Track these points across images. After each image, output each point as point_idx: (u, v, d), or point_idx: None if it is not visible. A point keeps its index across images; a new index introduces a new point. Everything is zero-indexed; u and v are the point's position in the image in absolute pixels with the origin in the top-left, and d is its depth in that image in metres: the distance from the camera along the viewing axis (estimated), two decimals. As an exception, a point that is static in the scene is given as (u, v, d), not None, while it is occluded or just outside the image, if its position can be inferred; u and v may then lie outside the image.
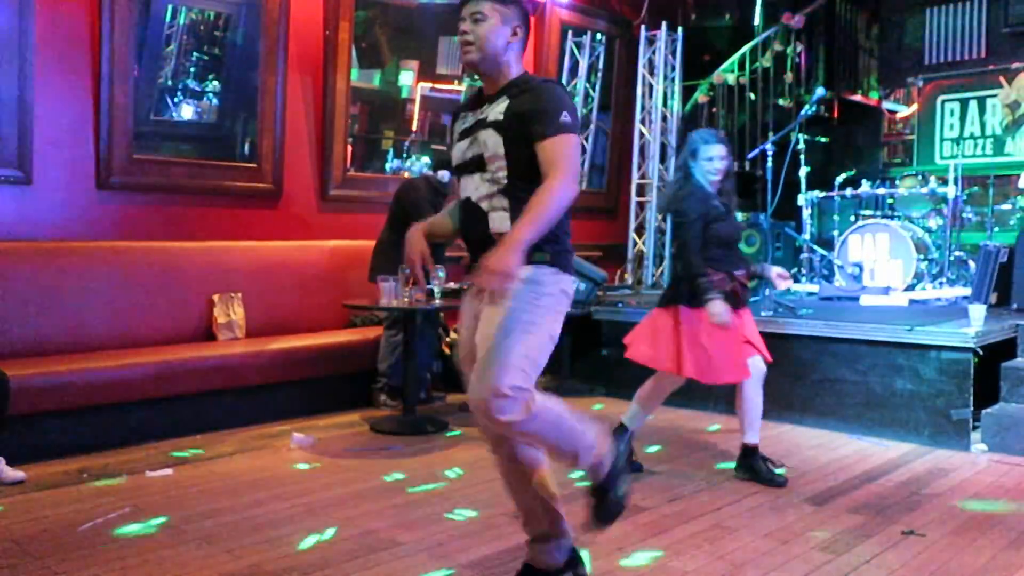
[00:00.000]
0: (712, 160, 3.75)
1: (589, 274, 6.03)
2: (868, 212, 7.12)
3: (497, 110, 2.37)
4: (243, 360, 4.77)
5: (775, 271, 3.95)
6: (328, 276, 5.61)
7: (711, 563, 2.87)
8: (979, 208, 6.98)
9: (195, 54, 5.38)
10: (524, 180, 2.32)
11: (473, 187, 2.42)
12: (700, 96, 7.94)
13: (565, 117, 2.30)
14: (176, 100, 5.34)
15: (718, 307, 3.58)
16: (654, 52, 7.83)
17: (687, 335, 3.66)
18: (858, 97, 8.41)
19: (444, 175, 5.19)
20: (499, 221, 2.35)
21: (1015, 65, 7.78)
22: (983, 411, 4.45)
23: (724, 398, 4.89)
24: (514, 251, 2.15)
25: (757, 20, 8.40)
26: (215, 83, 5.49)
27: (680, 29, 7.89)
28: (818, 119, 7.87)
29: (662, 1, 8.12)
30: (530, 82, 2.41)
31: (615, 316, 5.80)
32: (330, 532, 3.14)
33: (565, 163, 2.27)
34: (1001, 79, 7.86)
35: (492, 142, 2.35)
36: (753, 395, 3.81)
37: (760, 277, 4.06)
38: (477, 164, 2.40)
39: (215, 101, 5.50)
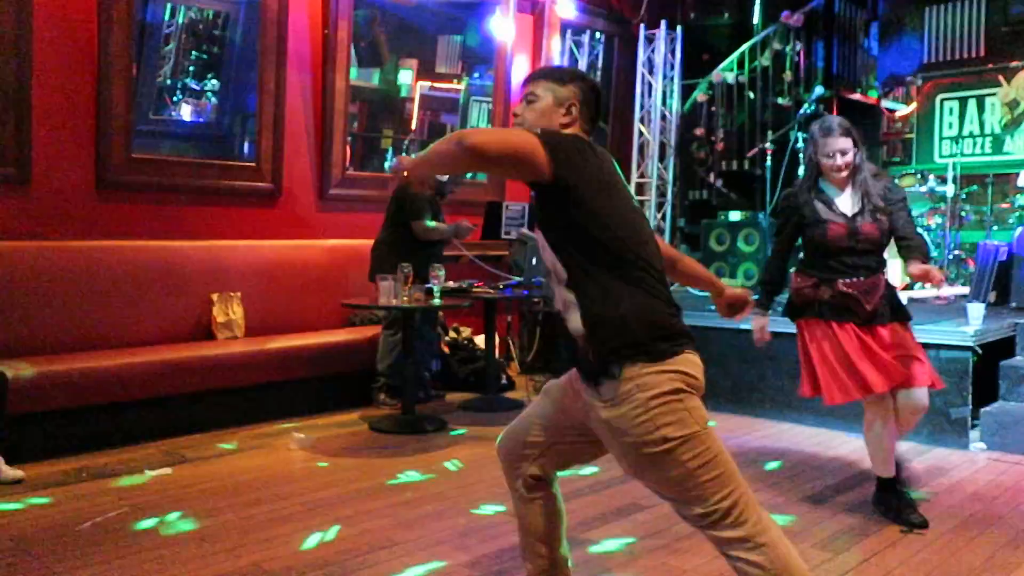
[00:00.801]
0: (833, 157, 3.39)
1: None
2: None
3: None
4: (242, 359, 4.77)
5: (921, 268, 3.32)
6: (327, 275, 5.61)
7: (710, 562, 2.87)
8: (978, 207, 6.98)
9: (194, 53, 5.38)
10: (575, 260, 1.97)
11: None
12: (699, 95, 7.94)
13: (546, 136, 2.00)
14: (175, 99, 5.34)
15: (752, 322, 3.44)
16: (653, 51, 7.83)
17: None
18: (857, 96, 8.40)
19: (443, 175, 5.19)
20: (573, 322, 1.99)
21: (1014, 64, 7.77)
22: (982, 410, 4.45)
23: (731, 399, 4.89)
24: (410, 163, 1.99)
25: (756, 19, 8.40)
26: (214, 82, 5.49)
27: (679, 28, 7.89)
28: (817, 117, 7.85)
29: (661, 0, 8.13)
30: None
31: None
32: (329, 531, 3.15)
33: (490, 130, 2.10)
34: (1000, 78, 7.85)
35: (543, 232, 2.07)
36: (866, 428, 3.41)
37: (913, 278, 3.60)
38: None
39: (214, 100, 5.51)
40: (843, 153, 3.38)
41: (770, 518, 1.94)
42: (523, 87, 2.24)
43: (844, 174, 3.41)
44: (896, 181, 3.79)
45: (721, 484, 1.87)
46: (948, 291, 3.58)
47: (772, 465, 4.13)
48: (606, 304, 1.92)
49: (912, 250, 3.37)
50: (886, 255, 3.62)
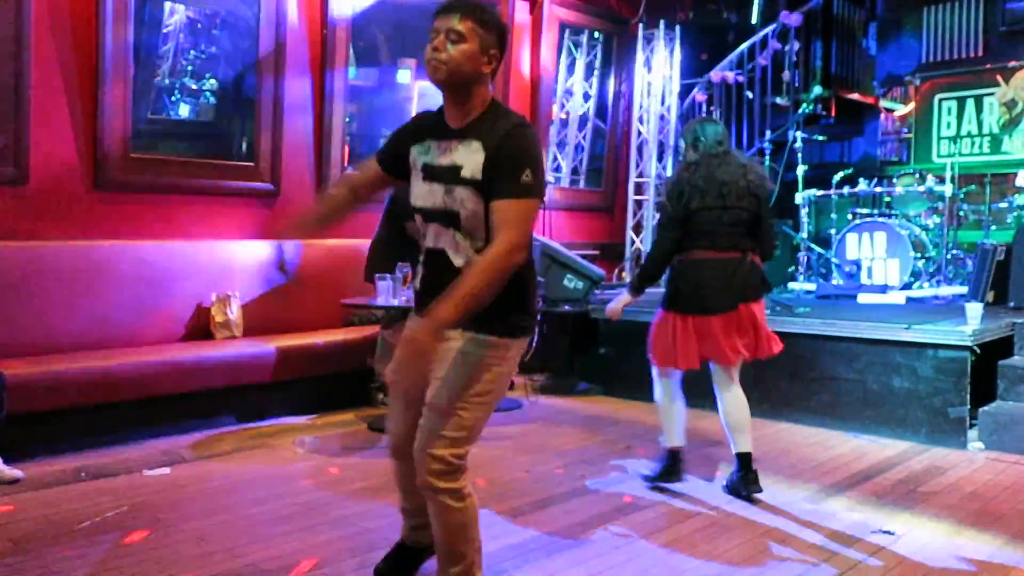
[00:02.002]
0: None
1: (587, 273, 6.03)
2: (865, 210, 7.13)
3: (474, 162, 2.22)
4: (240, 359, 4.76)
5: None
6: (325, 275, 5.60)
7: (708, 562, 2.87)
8: (976, 206, 6.98)
9: (192, 53, 5.37)
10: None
11: (448, 242, 2.30)
12: (697, 94, 7.94)
13: (529, 177, 2.17)
14: (173, 99, 5.33)
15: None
16: (652, 50, 7.83)
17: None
18: (855, 95, 8.41)
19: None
20: None
21: (1012, 64, 7.78)
22: (980, 409, 4.45)
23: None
24: (435, 331, 2.12)
25: (755, 18, 8.40)
26: (212, 82, 5.48)
27: (678, 27, 7.89)
28: (815, 117, 7.87)
29: (660, -1, 8.13)
30: (503, 123, 2.24)
31: (613, 315, 5.79)
32: (327, 531, 3.14)
33: (516, 231, 2.16)
34: (998, 77, 7.86)
35: (472, 203, 2.23)
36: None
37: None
38: (452, 220, 2.27)
39: (212, 100, 5.50)
40: None
41: None
42: (443, 18, 2.23)
43: None
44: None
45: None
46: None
47: (771, 465, 4.13)
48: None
49: None
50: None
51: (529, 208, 2.21)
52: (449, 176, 2.26)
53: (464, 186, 2.23)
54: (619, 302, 3.80)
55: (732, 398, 3.59)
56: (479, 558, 2.47)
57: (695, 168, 3.58)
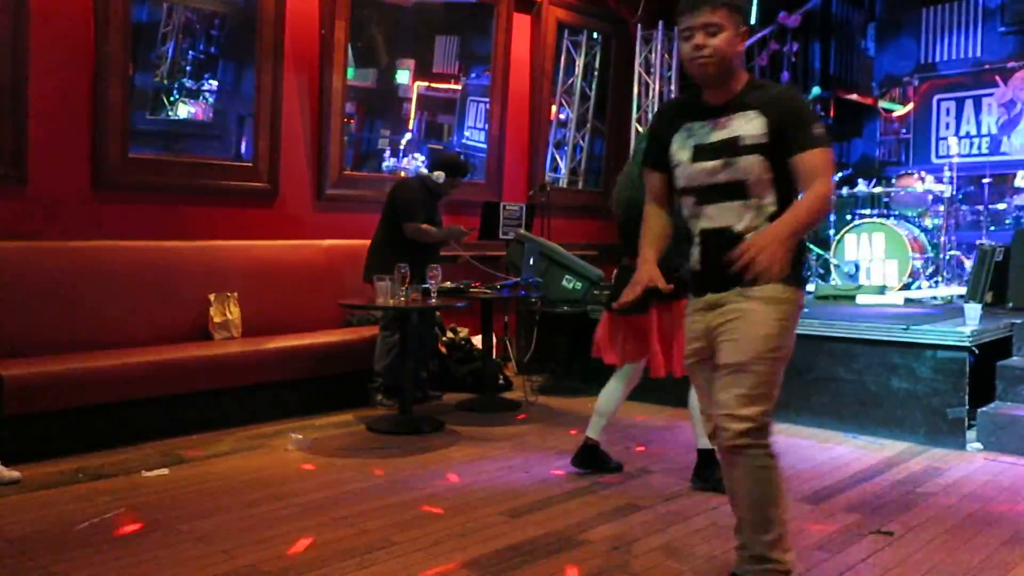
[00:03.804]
0: None
1: (586, 273, 6.03)
2: (864, 211, 7.13)
3: (754, 128, 2.31)
4: (239, 360, 4.76)
5: None
6: (324, 275, 5.61)
7: (708, 561, 2.87)
8: (975, 207, 6.99)
9: (191, 53, 5.38)
10: (788, 205, 2.32)
11: (733, 215, 2.35)
12: (696, 95, 7.94)
13: (819, 128, 2.29)
14: (172, 99, 5.34)
15: None
16: (650, 51, 7.83)
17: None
18: (854, 96, 8.42)
19: (440, 176, 5.18)
20: None
21: (1011, 64, 7.79)
22: (979, 410, 4.45)
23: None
24: (785, 244, 2.14)
25: (753, 19, 8.40)
26: (211, 82, 5.48)
27: (676, 28, 7.88)
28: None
29: None
30: (771, 90, 2.37)
31: (612, 315, 5.79)
32: (326, 532, 3.14)
33: (828, 175, 2.27)
34: (997, 78, 7.87)
35: (759, 168, 2.31)
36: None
37: None
38: (737, 191, 2.33)
39: (211, 100, 5.50)
40: None
41: None
42: (693, 15, 2.29)
43: None
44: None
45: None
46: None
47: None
48: None
49: None
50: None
51: (830, 155, 2.30)
52: (728, 149, 2.32)
53: (748, 154, 2.31)
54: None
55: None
56: (787, 528, 2.44)
57: None
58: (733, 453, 2.36)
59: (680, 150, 2.42)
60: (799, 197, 2.31)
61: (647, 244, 2.54)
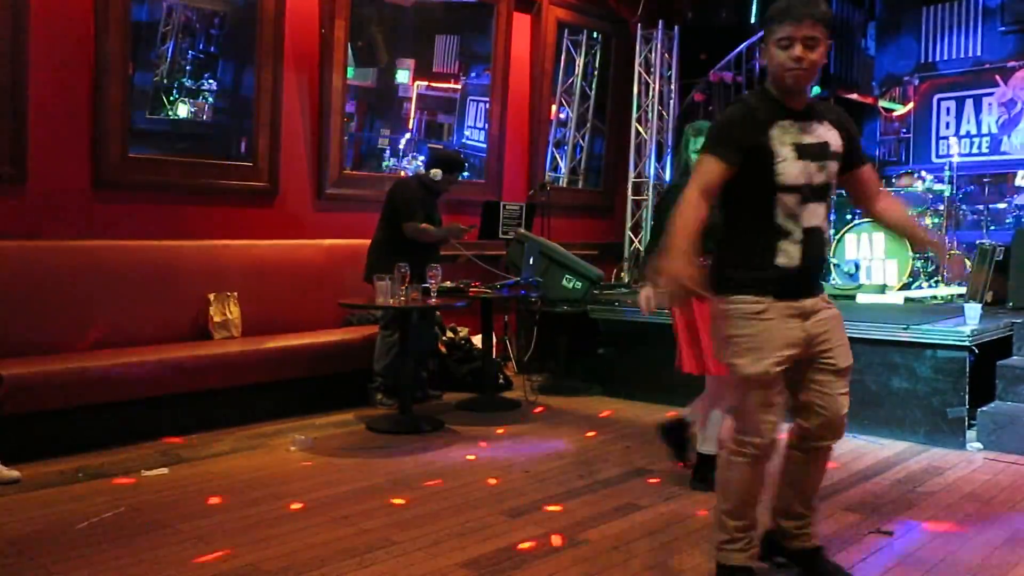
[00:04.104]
0: None
1: (585, 273, 6.03)
2: (864, 211, 7.11)
3: (834, 137, 2.49)
4: (239, 359, 4.76)
5: None
6: (324, 275, 5.60)
7: (708, 561, 2.87)
8: (975, 206, 6.99)
9: (191, 52, 5.37)
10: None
11: (821, 216, 2.50)
12: (696, 94, 7.94)
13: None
14: (172, 98, 5.33)
15: None
16: (650, 50, 7.83)
17: None
18: (854, 95, 8.41)
19: (437, 174, 5.17)
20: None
21: (1011, 64, 7.79)
22: (979, 409, 4.45)
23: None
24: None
25: (754, 18, 8.40)
26: (211, 81, 5.48)
27: (676, 27, 7.89)
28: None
29: (659, -1, 8.13)
30: (828, 105, 2.63)
31: (611, 315, 5.80)
32: (326, 531, 3.14)
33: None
34: (997, 78, 7.87)
35: (835, 175, 2.52)
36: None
37: None
38: (827, 193, 2.49)
39: (211, 100, 5.50)
40: None
41: None
42: (797, 26, 2.33)
43: None
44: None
45: None
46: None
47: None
48: None
49: None
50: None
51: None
52: (821, 153, 2.45)
53: (834, 160, 2.49)
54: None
55: None
56: None
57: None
58: (828, 450, 2.66)
59: (782, 146, 2.41)
60: (880, 203, 2.67)
61: (684, 236, 2.35)
